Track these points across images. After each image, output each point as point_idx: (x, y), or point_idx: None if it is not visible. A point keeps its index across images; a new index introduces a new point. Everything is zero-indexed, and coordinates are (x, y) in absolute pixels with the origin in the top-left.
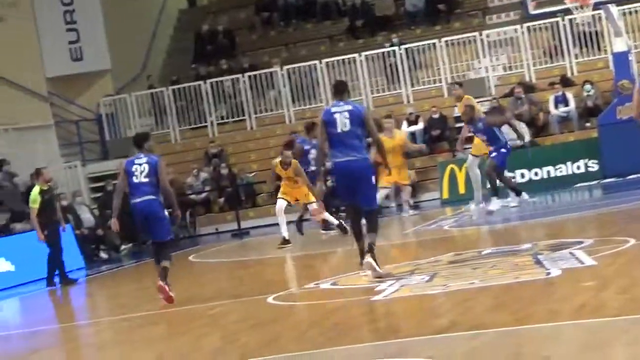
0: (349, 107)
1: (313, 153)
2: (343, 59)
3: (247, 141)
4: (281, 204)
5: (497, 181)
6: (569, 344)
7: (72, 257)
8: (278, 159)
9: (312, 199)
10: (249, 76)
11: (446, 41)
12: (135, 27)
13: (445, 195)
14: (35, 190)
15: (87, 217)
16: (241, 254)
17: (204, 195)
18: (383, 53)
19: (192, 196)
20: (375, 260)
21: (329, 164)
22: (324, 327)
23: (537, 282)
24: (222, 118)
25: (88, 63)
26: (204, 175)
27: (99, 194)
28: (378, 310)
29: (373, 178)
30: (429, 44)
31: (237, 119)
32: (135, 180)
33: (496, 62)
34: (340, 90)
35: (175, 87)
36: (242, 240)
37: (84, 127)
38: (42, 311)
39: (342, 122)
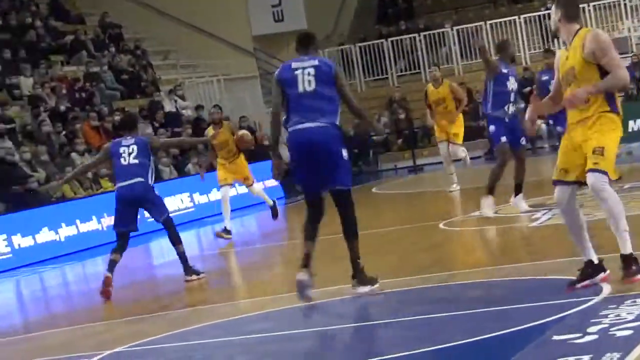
0: (315, 62)
1: (512, 82)
2: (504, 21)
3: (422, 91)
4: (225, 192)
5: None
6: None
7: (275, 188)
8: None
9: (251, 179)
10: (424, 35)
11: (594, 5)
12: None
13: None
14: None
15: (286, 154)
16: (416, 187)
17: (385, 136)
18: (539, 16)
19: (374, 137)
20: (364, 280)
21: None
22: (488, 249)
23: None
24: (401, 71)
25: (287, 23)
26: (384, 119)
27: None
28: (534, 235)
29: (344, 150)
30: (579, 7)
31: (413, 71)
32: (123, 162)
33: (637, 23)
34: (305, 44)
35: (362, 44)
36: (417, 175)
37: None
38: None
39: (305, 80)
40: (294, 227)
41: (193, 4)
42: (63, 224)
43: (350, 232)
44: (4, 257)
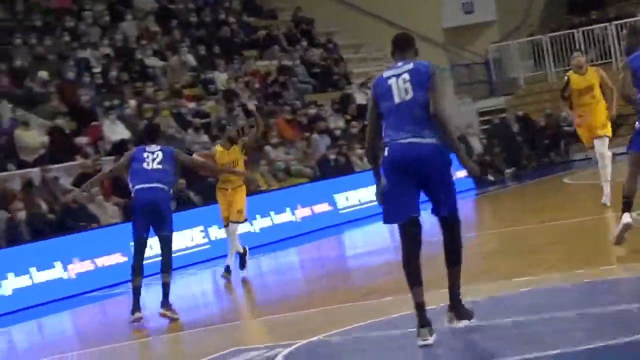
0: (410, 66)
1: None
2: None
3: (615, 80)
4: (233, 228)
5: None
6: None
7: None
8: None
9: (244, 216)
10: (615, 24)
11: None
12: None
13: None
14: None
15: (477, 145)
16: None
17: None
18: None
19: (566, 128)
20: (463, 314)
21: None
22: None
23: None
24: (592, 60)
25: (477, 15)
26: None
27: (486, 126)
28: None
29: (450, 169)
30: None
31: (604, 61)
32: (146, 166)
33: None
34: (402, 47)
35: (552, 34)
36: None
37: (474, 69)
38: None
39: (401, 89)
40: (484, 217)
41: None
42: (258, 216)
43: (452, 258)
44: (202, 248)
